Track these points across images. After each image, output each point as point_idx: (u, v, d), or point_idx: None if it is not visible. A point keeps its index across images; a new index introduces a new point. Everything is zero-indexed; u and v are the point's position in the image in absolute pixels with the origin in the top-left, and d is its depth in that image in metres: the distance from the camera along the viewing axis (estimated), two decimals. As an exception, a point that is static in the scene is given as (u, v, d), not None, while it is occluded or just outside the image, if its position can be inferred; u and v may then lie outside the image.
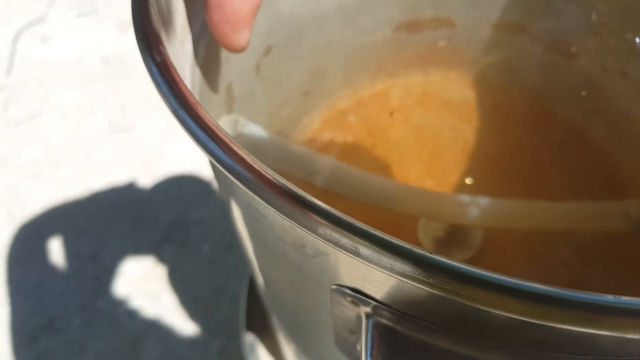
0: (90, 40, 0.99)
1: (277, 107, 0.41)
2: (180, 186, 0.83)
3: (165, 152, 0.85)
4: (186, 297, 0.73)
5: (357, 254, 0.15)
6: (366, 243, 0.14)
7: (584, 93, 0.43)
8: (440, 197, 0.37)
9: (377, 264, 0.14)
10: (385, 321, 0.18)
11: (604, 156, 0.43)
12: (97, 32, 1.00)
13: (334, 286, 0.19)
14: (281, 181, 0.15)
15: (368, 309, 0.19)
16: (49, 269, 0.75)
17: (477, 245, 0.41)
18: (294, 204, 0.15)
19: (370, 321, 0.19)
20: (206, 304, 0.73)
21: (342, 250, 0.15)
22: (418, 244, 0.40)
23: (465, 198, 0.37)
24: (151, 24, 0.20)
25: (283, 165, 0.33)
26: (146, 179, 0.83)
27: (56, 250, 0.77)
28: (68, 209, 0.81)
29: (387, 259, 0.14)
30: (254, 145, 0.32)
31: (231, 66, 0.33)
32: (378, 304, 0.18)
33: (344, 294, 0.19)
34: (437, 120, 0.46)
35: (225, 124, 0.31)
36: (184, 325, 0.71)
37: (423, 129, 0.45)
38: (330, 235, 0.15)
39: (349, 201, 0.36)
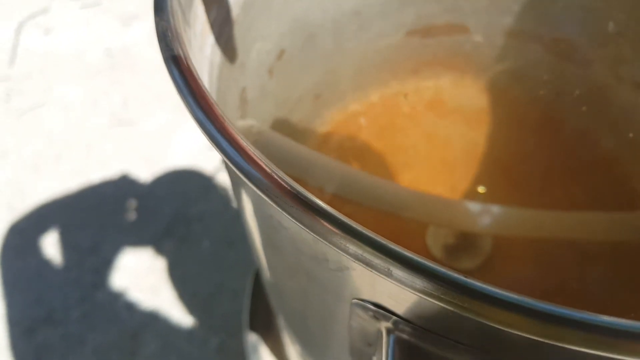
0: (93, 32, 0.99)
1: (289, 110, 0.41)
2: (181, 181, 0.83)
3: (167, 146, 0.85)
4: (186, 293, 0.73)
5: (389, 275, 0.15)
6: (399, 265, 0.14)
7: (597, 103, 0.43)
8: (450, 205, 0.37)
9: (410, 286, 0.14)
10: (406, 337, 0.18)
11: (615, 166, 0.43)
12: (100, 24, 1.00)
13: (354, 300, 0.19)
14: (313, 200, 0.15)
15: (389, 324, 0.19)
16: (49, 261, 0.75)
17: (487, 252, 0.41)
18: (327, 222, 0.15)
19: (392, 336, 0.19)
20: (206, 299, 0.73)
21: (373, 270, 0.15)
22: (426, 249, 0.41)
23: (475, 206, 0.37)
24: (175, 30, 0.20)
25: (295, 169, 0.33)
26: (147, 173, 0.83)
27: (56, 242, 0.77)
28: (69, 202, 0.81)
29: (420, 282, 0.14)
30: (268, 150, 0.32)
31: (246, 71, 0.33)
32: (400, 319, 0.18)
33: (366, 309, 0.19)
34: (448, 126, 0.46)
35: (241, 127, 0.31)
36: (183, 320, 0.71)
37: (433, 134, 0.45)
38: (362, 255, 0.15)
39: (357, 206, 0.36)
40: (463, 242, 0.40)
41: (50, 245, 0.76)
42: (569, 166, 0.44)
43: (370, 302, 0.19)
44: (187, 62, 0.18)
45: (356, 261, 0.15)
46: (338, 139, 0.45)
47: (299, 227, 0.16)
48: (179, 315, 0.71)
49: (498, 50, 0.45)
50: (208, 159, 0.84)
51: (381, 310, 0.19)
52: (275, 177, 0.15)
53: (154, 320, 0.71)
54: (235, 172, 0.17)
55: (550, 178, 0.43)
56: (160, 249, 0.76)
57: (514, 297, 0.14)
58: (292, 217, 0.15)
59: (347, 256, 0.15)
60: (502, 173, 0.44)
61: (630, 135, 0.42)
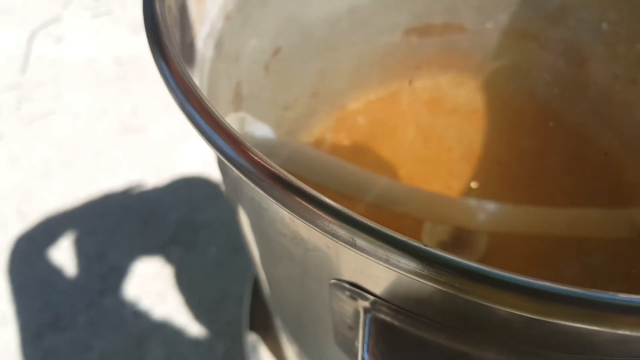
0: (104, 41, 1.00)
1: (285, 107, 0.42)
2: (188, 188, 0.83)
3: (175, 154, 0.86)
4: (192, 299, 0.73)
5: (353, 245, 0.15)
6: (362, 234, 0.14)
7: (592, 100, 0.43)
8: (446, 200, 0.37)
9: (374, 256, 0.14)
10: (383, 316, 0.19)
11: (611, 163, 0.43)
12: (111, 33, 1.01)
13: (332, 280, 0.19)
14: (281, 172, 0.15)
15: (366, 304, 0.19)
16: (56, 267, 0.76)
17: (482, 250, 0.41)
18: (292, 194, 0.15)
19: (368, 316, 0.19)
20: (211, 306, 0.73)
21: (339, 242, 0.15)
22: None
23: (471, 202, 0.37)
24: (161, 23, 0.20)
25: (286, 162, 0.33)
26: (155, 181, 0.83)
27: (64, 248, 0.77)
28: (77, 208, 0.81)
29: (383, 251, 0.14)
30: (259, 142, 0.32)
31: (241, 65, 0.34)
32: (376, 298, 0.19)
33: (343, 289, 0.19)
34: (445, 123, 0.46)
35: (232, 121, 0.31)
36: (189, 326, 0.71)
37: (430, 132, 0.45)
38: (328, 226, 0.15)
39: (353, 202, 0.36)
40: (458, 240, 0.40)
41: (58, 252, 0.77)
42: (565, 163, 0.44)
43: (347, 281, 0.19)
44: (169, 48, 0.18)
45: (324, 233, 0.15)
46: (335, 137, 0.45)
47: (275, 206, 0.16)
48: (185, 321, 0.71)
49: (494, 49, 0.45)
50: (215, 167, 0.84)
51: (358, 290, 0.19)
52: (243, 146, 0.16)
53: (160, 327, 0.72)
54: (217, 155, 0.17)
55: (547, 175, 0.43)
56: (167, 256, 0.77)
57: (476, 267, 0.14)
58: (262, 188, 0.16)
59: (316, 229, 0.15)
60: (500, 170, 0.44)
61: (627, 132, 0.42)
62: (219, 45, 0.31)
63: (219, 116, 0.17)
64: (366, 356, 0.18)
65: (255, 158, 0.16)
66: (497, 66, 0.45)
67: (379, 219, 0.14)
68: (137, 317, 0.72)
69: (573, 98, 0.44)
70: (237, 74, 0.34)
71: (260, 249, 0.27)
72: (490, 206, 0.36)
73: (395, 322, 0.18)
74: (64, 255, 0.76)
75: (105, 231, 0.79)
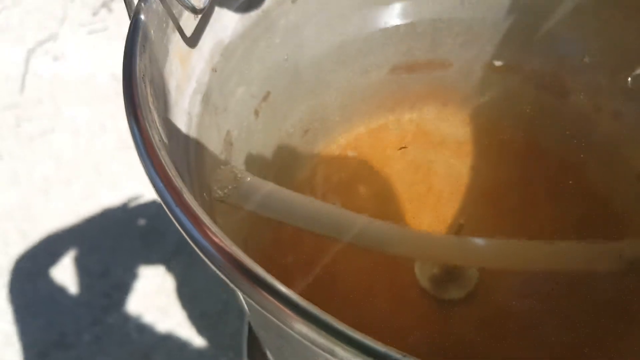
0: (101, 57, 1.00)
1: (277, 146, 0.43)
2: (189, 201, 0.84)
3: (174, 168, 0.86)
4: (194, 313, 0.74)
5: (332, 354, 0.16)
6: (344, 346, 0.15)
7: (577, 131, 0.44)
8: (432, 239, 0.38)
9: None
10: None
11: (597, 194, 0.44)
12: (108, 49, 1.01)
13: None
14: (266, 278, 0.16)
15: None
16: (60, 285, 0.76)
17: (473, 283, 0.42)
18: (275, 300, 0.16)
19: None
20: (214, 319, 0.74)
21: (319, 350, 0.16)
22: (415, 281, 0.42)
23: (457, 240, 0.37)
24: (139, 99, 0.21)
25: (280, 213, 0.34)
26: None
27: (67, 266, 0.78)
28: (79, 225, 0.82)
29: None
30: (250, 195, 0.33)
31: (229, 115, 0.35)
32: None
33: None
34: (433, 156, 0.47)
35: (223, 175, 0.32)
36: (193, 340, 0.72)
37: (419, 164, 0.46)
38: (307, 334, 0.16)
39: (346, 245, 0.37)
40: (449, 274, 0.41)
41: (61, 270, 0.78)
42: (552, 193, 0.44)
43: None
44: (153, 140, 0.19)
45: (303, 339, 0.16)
46: (327, 172, 0.46)
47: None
48: (189, 335, 0.72)
49: (479, 83, 0.46)
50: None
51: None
52: (234, 255, 0.17)
53: (164, 341, 0.72)
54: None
55: (534, 205, 0.44)
56: (169, 270, 0.77)
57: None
58: (246, 294, 0.16)
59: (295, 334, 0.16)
60: (487, 201, 0.45)
61: (611, 163, 0.43)
62: (205, 99, 0.32)
63: (193, 206, 0.18)
64: None
65: (235, 258, 0.17)
66: (482, 99, 0.46)
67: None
68: (141, 332, 0.73)
69: (557, 130, 0.45)
70: (226, 123, 0.34)
71: (248, 312, 0.28)
72: (477, 243, 0.37)
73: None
74: (66, 273, 0.77)
75: (107, 248, 0.79)
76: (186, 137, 0.29)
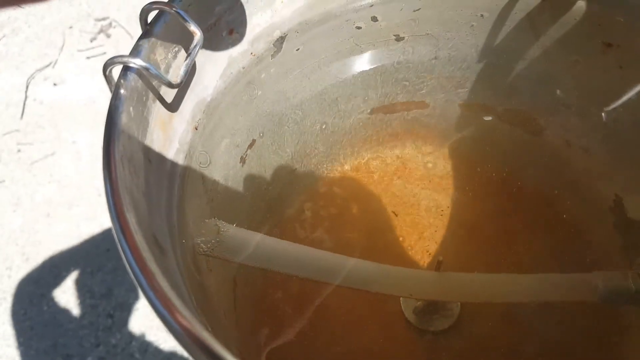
0: (100, 81, 1.02)
1: (265, 188, 0.44)
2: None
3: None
4: (196, 331, 0.75)
5: None
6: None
7: (551, 166, 0.45)
8: (414, 277, 0.39)
9: None
10: None
11: (571, 226, 0.45)
12: (106, 72, 1.03)
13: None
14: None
15: None
16: (63, 307, 0.77)
17: (456, 314, 0.43)
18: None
19: None
20: (215, 337, 0.75)
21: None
22: (401, 313, 0.43)
23: (438, 275, 0.39)
24: (119, 186, 0.23)
25: (266, 263, 0.35)
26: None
27: (70, 288, 0.79)
28: (82, 247, 0.83)
29: None
30: (235, 248, 0.34)
31: (215, 167, 0.36)
32: None
33: None
34: (415, 191, 0.48)
35: (207, 228, 0.34)
36: None
37: (402, 199, 0.48)
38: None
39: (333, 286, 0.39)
40: (433, 306, 0.43)
41: (64, 291, 0.79)
42: (530, 226, 0.46)
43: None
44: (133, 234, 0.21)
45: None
46: (314, 208, 0.47)
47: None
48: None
49: (456, 121, 0.47)
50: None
51: None
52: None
53: (167, 360, 0.74)
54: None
55: (512, 237, 0.46)
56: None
57: None
58: None
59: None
60: (467, 233, 0.47)
61: (586, 196, 0.44)
62: (189, 157, 0.33)
63: (166, 291, 0.20)
64: None
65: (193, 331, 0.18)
66: (460, 136, 0.48)
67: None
68: (144, 352, 0.74)
69: (532, 164, 0.47)
70: (212, 174, 0.36)
71: None
72: (456, 278, 0.39)
73: None
74: (69, 295, 0.78)
75: (109, 268, 0.80)
76: (169, 197, 0.30)
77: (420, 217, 0.47)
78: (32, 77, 1.02)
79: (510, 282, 0.39)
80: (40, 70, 1.02)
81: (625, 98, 0.40)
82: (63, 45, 1.05)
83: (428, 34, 0.43)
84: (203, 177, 0.35)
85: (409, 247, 0.46)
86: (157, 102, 0.29)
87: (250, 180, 0.41)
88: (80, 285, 0.79)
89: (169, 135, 0.31)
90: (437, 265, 0.39)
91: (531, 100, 0.44)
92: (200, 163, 0.34)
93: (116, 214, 0.21)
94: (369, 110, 0.46)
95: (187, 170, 0.32)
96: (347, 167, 0.49)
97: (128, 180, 0.23)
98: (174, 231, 0.29)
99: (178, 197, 0.31)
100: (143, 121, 0.27)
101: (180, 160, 0.32)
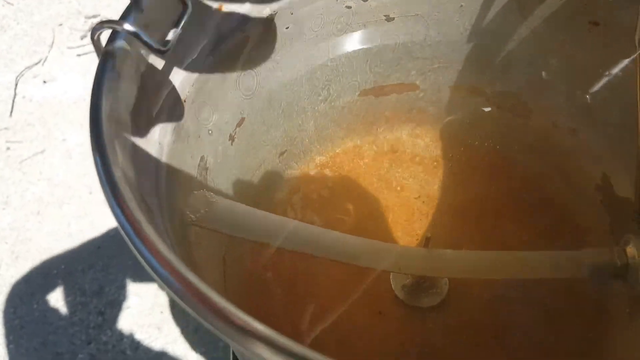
0: (90, 79, 1.01)
1: (255, 168, 0.44)
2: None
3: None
4: (188, 328, 0.75)
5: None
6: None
7: (538, 147, 0.46)
8: (403, 252, 0.39)
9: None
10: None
11: (558, 206, 0.46)
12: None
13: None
14: (220, 302, 0.18)
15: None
16: (53, 305, 0.77)
17: (445, 291, 0.43)
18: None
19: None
20: (208, 334, 0.74)
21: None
22: (391, 290, 0.43)
23: (425, 252, 0.39)
24: (105, 144, 0.23)
25: (254, 234, 0.35)
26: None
27: (60, 286, 0.78)
28: (72, 245, 0.82)
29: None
30: (224, 218, 0.34)
31: (203, 142, 0.36)
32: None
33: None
34: (405, 173, 0.48)
35: (196, 199, 0.33)
36: (187, 355, 0.72)
37: (392, 181, 0.48)
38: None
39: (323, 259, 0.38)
40: (422, 284, 0.43)
41: (55, 290, 0.78)
42: (518, 206, 0.46)
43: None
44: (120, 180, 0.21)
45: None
46: (305, 191, 0.47)
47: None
48: (183, 350, 0.73)
49: (447, 104, 0.48)
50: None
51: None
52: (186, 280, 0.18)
53: (159, 358, 0.73)
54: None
55: (500, 217, 0.46)
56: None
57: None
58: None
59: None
60: (456, 214, 0.47)
61: (572, 177, 0.44)
62: (177, 128, 0.33)
63: (150, 234, 0.19)
64: None
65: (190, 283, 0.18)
66: (451, 119, 0.48)
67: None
68: (136, 349, 0.74)
69: (522, 146, 0.47)
70: (200, 150, 0.36)
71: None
72: (446, 254, 0.39)
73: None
74: (60, 293, 0.78)
75: (100, 266, 0.80)
76: (157, 166, 0.30)
77: (410, 200, 0.47)
78: (21, 74, 1.01)
79: (498, 259, 0.40)
80: (29, 67, 1.02)
81: (609, 77, 0.40)
82: (53, 43, 1.05)
83: (417, 15, 0.43)
84: (192, 151, 0.35)
85: (399, 228, 0.46)
86: (145, 69, 0.29)
87: (239, 159, 0.41)
88: (70, 283, 0.79)
89: (158, 104, 0.30)
90: (426, 241, 0.39)
91: (519, 82, 0.44)
92: (189, 136, 0.34)
93: (102, 167, 0.21)
94: (359, 92, 0.46)
95: (175, 142, 0.32)
96: (338, 149, 0.49)
97: (114, 137, 0.23)
98: (162, 200, 0.29)
99: (166, 167, 0.31)
100: (130, 87, 0.27)
101: (168, 131, 0.32)
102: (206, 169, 0.37)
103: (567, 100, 0.43)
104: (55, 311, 0.76)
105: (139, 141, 0.28)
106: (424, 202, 0.48)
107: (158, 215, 0.27)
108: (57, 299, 0.77)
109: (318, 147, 0.48)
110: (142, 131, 0.28)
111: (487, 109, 0.46)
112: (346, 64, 0.44)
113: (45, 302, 0.77)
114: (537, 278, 0.40)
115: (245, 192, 0.43)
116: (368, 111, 0.48)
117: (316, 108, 0.46)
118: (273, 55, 0.40)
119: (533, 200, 0.47)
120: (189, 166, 0.34)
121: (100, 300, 0.77)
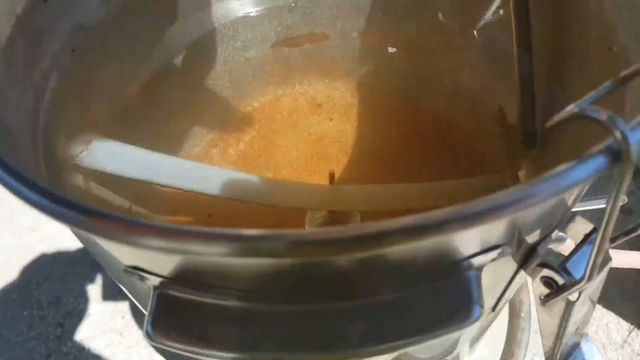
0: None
1: (167, 123, 0.43)
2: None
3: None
4: (150, 332, 0.74)
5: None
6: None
7: (443, 86, 0.46)
8: (307, 189, 0.39)
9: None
10: (167, 291, 0.20)
11: (465, 141, 0.47)
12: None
13: (124, 268, 0.21)
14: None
15: (155, 283, 0.20)
16: (9, 321, 0.75)
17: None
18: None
19: (156, 292, 0.20)
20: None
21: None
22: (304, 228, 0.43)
23: (330, 188, 0.39)
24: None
25: (143, 172, 0.34)
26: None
27: (15, 300, 0.77)
28: (25, 258, 0.81)
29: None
30: (106, 156, 0.33)
31: (97, 93, 0.35)
32: (163, 278, 0.20)
33: (132, 274, 0.21)
34: (323, 123, 0.49)
35: (80, 139, 0.32)
36: (152, 356, 0.71)
37: (311, 132, 0.48)
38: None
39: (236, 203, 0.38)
40: (334, 220, 0.42)
41: (9, 305, 0.77)
42: (428, 146, 0.47)
43: (132, 267, 0.20)
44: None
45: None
46: (222, 145, 0.47)
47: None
48: (147, 354, 0.72)
49: (358, 54, 0.48)
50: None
51: (143, 273, 0.20)
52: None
53: (122, 363, 0.72)
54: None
55: (410, 159, 0.48)
56: (121, 292, 0.77)
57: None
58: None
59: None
60: (368, 159, 0.48)
61: (475, 112, 0.45)
62: (66, 76, 0.32)
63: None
64: (149, 328, 0.19)
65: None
66: (365, 68, 0.48)
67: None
68: (99, 358, 0.72)
69: (429, 88, 0.48)
70: (94, 98, 0.35)
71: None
72: (349, 189, 0.39)
73: (178, 294, 0.20)
74: (15, 308, 0.76)
75: (56, 277, 0.79)
76: (36, 109, 0.29)
77: (326, 148, 0.48)
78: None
79: (402, 190, 0.40)
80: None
81: (495, 15, 0.41)
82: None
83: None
84: (82, 97, 0.34)
85: (315, 175, 0.46)
86: (27, 15, 0.28)
87: (145, 114, 0.40)
88: (25, 296, 0.78)
89: (40, 50, 0.30)
90: (330, 177, 0.40)
91: (420, 25, 0.45)
92: (77, 84, 0.33)
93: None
94: (270, 44, 0.46)
95: (61, 88, 0.31)
96: (256, 103, 0.49)
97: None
98: (38, 137, 0.28)
99: (49, 110, 0.30)
100: (8, 29, 0.26)
101: (53, 77, 0.31)
102: (100, 120, 0.36)
103: (463, 39, 0.44)
104: (11, 327, 0.75)
105: (12, 79, 0.27)
106: (338, 149, 0.49)
107: (28, 149, 0.26)
108: (12, 314, 0.76)
109: (235, 101, 0.48)
110: (19, 72, 0.28)
111: (393, 50, 0.46)
112: (253, 15, 0.45)
113: (0, 318, 0.75)
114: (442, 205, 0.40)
115: (155, 145, 0.42)
116: (283, 63, 0.49)
117: (229, 60, 0.46)
118: (174, 6, 0.39)
119: (440, 138, 0.48)
120: (79, 111, 0.33)
121: (58, 311, 0.76)
